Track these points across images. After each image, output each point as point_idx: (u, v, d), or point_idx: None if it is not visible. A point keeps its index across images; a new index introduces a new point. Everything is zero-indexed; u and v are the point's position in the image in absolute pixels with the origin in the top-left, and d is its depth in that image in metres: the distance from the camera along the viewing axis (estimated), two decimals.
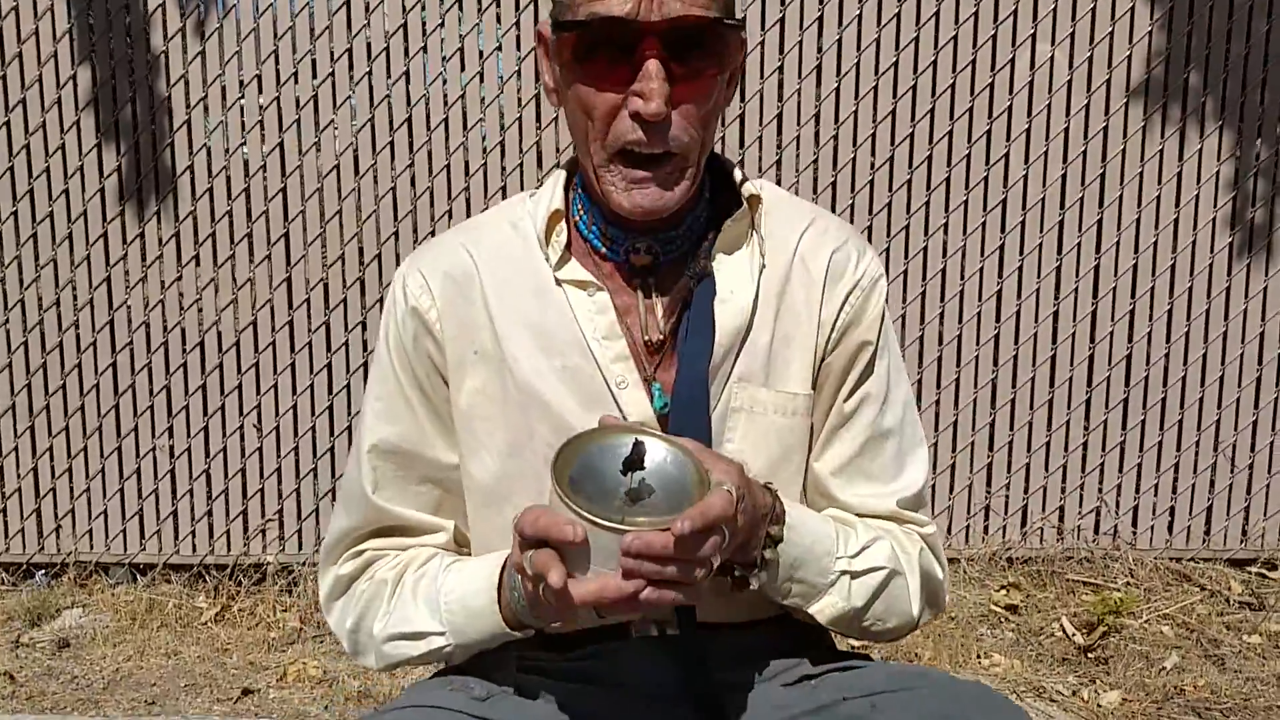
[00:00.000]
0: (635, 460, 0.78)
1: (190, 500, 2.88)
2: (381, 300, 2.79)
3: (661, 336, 0.94)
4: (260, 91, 2.74)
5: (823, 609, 0.92)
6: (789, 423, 0.96)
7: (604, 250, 0.95)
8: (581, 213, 0.96)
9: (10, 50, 2.75)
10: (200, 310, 2.83)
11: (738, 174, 0.98)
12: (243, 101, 2.75)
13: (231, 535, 2.89)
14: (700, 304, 0.93)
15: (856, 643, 1.97)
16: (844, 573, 0.93)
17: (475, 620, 0.92)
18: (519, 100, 2.74)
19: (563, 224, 0.96)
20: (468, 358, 0.96)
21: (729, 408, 0.95)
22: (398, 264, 2.74)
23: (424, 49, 2.71)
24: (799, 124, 2.73)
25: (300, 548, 2.89)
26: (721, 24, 0.85)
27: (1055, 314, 2.81)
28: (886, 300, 1.00)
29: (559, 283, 0.95)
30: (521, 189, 2.66)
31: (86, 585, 2.89)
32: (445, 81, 2.72)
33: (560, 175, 0.99)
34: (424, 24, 2.71)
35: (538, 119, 2.75)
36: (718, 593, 0.88)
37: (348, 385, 2.84)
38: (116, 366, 2.84)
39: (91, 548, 2.90)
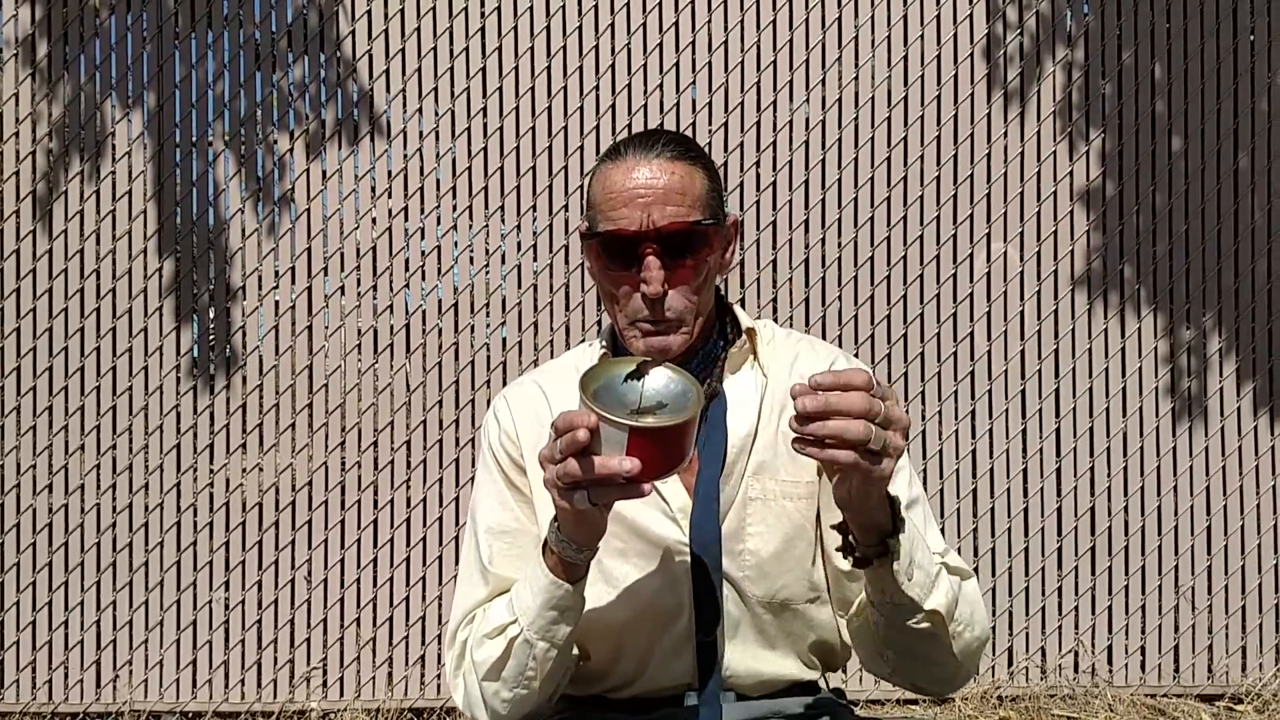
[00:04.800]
0: (637, 373, 1.01)
1: (242, 649, 3.11)
2: (425, 462, 3.13)
3: None
4: (326, 280, 3.16)
5: (938, 600, 1.04)
6: (796, 505, 1.18)
7: None
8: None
9: (105, 248, 3.17)
10: (261, 472, 3.15)
11: (741, 316, 1.26)
12: (309, 291, 3.16)
13: (278, 683, 3.11)
14: (714, 417, 1.18)
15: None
16: (942, 564, 1.09)
17: (530, 585, 1.09)
18: (550, 288, 3.17)
19: None
20: (538, 465, 1.23)
21: (746, 497, 1.17)
22: (440, 429, 3.09)
23: (470, 246, 3.16)
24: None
25: (341, 694, 3.11)
26: (700, 224, 1.14)
27: (1024, 470, 3.16)
28: None
29: None
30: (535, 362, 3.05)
31: None
32: (488, 274, 3.16)
33: (610, 325, 1.29)
34: (470, 225, 3.16)
35: (567, 304, 3.17)
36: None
37: (391, 539, 3.13)
38: (180, 525, 3.13)
39: (146, 696, 3.11)
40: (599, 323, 3.17)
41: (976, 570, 3.15)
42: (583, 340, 3.15)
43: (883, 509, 1.00)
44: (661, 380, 1.01)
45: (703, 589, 1.16)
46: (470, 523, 1.24)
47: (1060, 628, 3.15)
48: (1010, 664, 3.15)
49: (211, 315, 3.18)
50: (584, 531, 1.04)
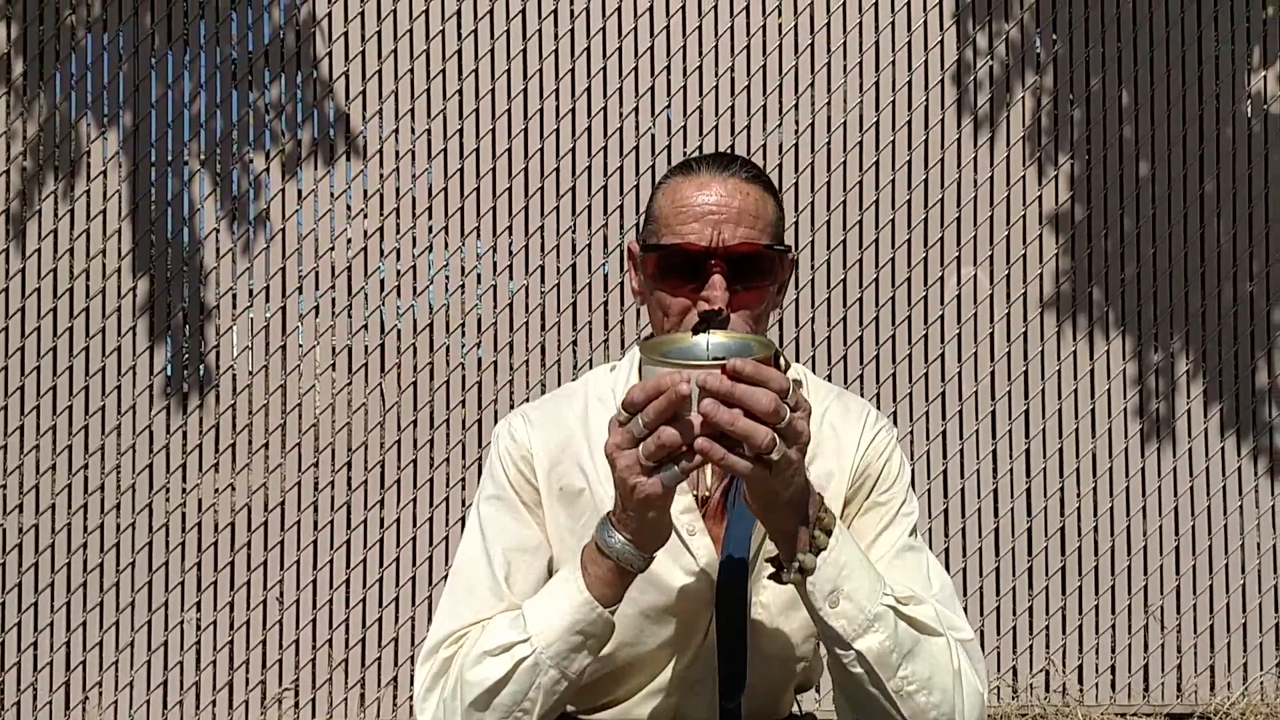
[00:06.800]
0: (702, 324, 0.98)
1: (213, 670, 3.09)
2: (399, 482, 3.12)
3: (708, 493, 1.12)
4: (300, 299, 3.16)
5: (868, 643, 0.96)
6: None
7: None
8: None
9: (79, 266, 3.16)
10: (233, 492, 3.14)
11: (781, 362, 1.21)
12: (284, 310, 3.16)
13: (250, 704, 3.09)
14: None
15: None
16: (892, 608, 0.98)
17: (554, 603, 0.99)
18: (526, 308, 3.18)
19: None
20: (554, 492, 1.15)
21: (767, 549, 1.10)
22: (414, 450, 3.09)
23: (445, 266, 3.17)
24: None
25: (314, 715, 3.09)
26: (770, 249, 1.09)
27: (995, 491, 3.19)
28: (898, 443, 1.21)
29: None
30: (511, 383, 3.07)
31: None
32: (463, 294, 3.17)
33: (636, 354, 1.17)
34: (446, 245, 3.17)
35: (542, 324, 3.18)
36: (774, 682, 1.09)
37: (364, 560, 3.12)
38: (152, 545, 3.11)
39: (116, 718, 3.08)
40: (574, 343, 3.18)
41: None
42: (557, 361, 3.16)
43: (792, 520, 0.95)
44: (719, 339, 0.97)
45: (725, 624, 1.10)
46: (477, 540, 1.14)
47: (1031, 647, 3.18)
48: None
49: (185, 334, 3.17)
50: (653, 530, 0.95)
